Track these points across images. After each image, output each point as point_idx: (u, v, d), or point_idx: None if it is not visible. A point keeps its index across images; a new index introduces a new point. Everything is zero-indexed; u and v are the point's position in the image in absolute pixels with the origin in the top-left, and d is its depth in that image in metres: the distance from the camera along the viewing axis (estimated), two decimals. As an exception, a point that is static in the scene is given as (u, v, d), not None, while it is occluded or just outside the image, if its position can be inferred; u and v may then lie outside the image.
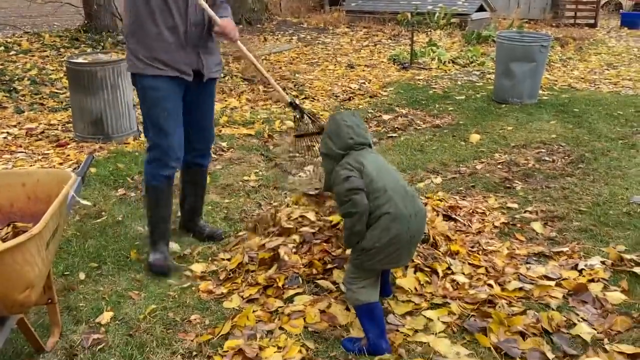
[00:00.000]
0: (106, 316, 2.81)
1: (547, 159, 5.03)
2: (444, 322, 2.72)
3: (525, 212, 3.95)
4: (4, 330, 2.26)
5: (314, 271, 3.08)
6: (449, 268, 3.12)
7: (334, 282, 3.00)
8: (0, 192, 2.61)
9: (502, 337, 2.59)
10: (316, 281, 3.03)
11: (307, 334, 2.65)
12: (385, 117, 6.45)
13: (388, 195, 2.45)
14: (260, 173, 4.78)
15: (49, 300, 2.58)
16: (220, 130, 5.87)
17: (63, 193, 2.35)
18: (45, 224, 2.08)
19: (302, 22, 14.71)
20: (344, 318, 2.75)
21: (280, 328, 2.70)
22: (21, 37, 9.80)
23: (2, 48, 8.81)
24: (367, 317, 2.54)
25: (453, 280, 3.04)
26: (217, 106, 6.76)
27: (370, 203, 2.44)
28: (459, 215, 3.75)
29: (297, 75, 8.71)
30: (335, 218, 3.27)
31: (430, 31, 12.28)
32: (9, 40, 9.40)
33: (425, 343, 2.59)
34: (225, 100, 7.17)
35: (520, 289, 2.96)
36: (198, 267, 3.29)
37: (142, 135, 5.65)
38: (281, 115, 6.56)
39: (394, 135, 5.82)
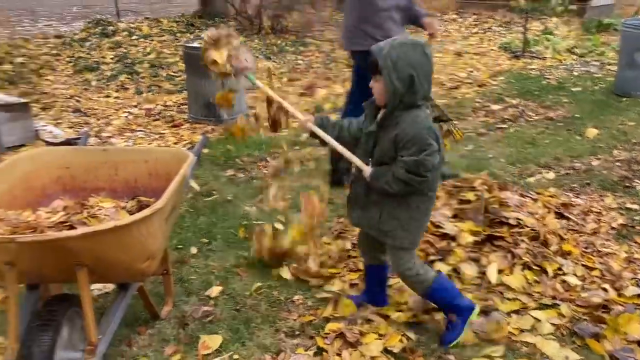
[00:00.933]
0: (215, 290, 2.95)
1: (673, 158, 4.64)
2: (552, 324, 2.61)
3: (646, 214, 3.68)
4: (127, 295, 2.44)
5: (417, 262, 3.06)
6: (559, 268, 2.98)
7: (436, 274, 2.96)
8: (125, 167, 2.80)
9: (617, 345, 2.44)
10: (419, 272, 3.00)
11: (408, 324, 2.64)
12: (495, 107, 6.21)
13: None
14: (364, 160, 4.79)
15: (165, 271, 2.76)
16: (325, 116, 5.93)
17: (182, 172, 2.48)
18: (167, 199, 2.21)
19: (410, 9, 14.47)
20: (446, 311, 2.71)
21: (381, 315, 2.70)
22: (142, 22, 10.40)
23: (126, 33, 9.40)
24: (444, 290, 2.52)
25: (564, 281, 2.90)
26: (321, 92, 6.84)
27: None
28: (572, 213, 3.55)
29: (402, 62, 8.58)
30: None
31: (546, 18, 11.64)
32: (132, 25, 10.00)
33: (531, 344, 2.50)
34: (330, 87, 7.22)
35: (639, 295, 2.77)
36: (302, 249, 3.35)
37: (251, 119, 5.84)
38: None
39: (503, 126, 5.60)
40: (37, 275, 2.17)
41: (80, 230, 1.99)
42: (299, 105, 6.35)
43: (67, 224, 2.17)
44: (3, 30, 10.54)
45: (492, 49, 9.44)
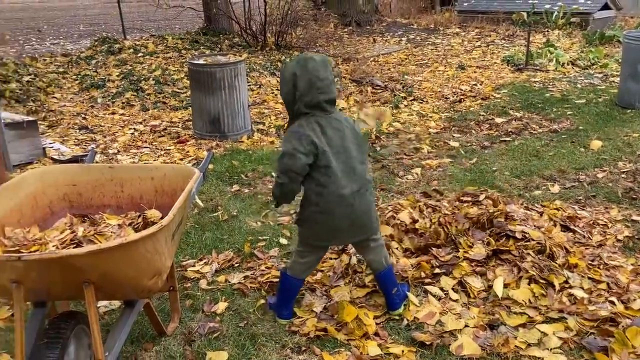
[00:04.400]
0: (221, 306, 2.95)
1: (679, 169, 4.63)
2: (560, 338, 2.59)
3: (653, 226, 3.67)
4: (133, 312, 2.44)
5: (422, 274, 3.05)
6: (566, 281, 2.96)
7: (441, 289, 2.96)
8: (132, 184, 2.82)
9: (625, 358, 2.42)
10: (424, 286, 2.99)
11: (414, 341, 2.63)
12: (498, 120, 6.23)
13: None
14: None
15: (171, 288, 2.76)
16: (330, 131, 5.95)
17: (188, 188, 2.49)
18: (173, 216, 2.22)
19: (412, 23, 14.56)
20: (452, 324, 2.71)
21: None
22: (147, 39, 10.50)
23: (132, 50, 9.49)
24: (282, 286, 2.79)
25: (571, 295, 2.88)
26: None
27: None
28: (578, 226, 3.55)
29: (405, 76, 8.64)
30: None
31: (548, 31, 11.70)
32: (137, 43, 10.10)
33: (539, 358, 2.48)
34: (335, 101, 7.25)
35: (647, 308, 2.75)
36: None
37: (255, 134, 5.87)
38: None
39: (507, 139, 5.62)
40: (44, 293, 2.18)
41: (87, 247, 2.01)
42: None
43: (73, 241, 2.18)
44: (11, 49, 10.67)
45: (495, 62, 9.48)
